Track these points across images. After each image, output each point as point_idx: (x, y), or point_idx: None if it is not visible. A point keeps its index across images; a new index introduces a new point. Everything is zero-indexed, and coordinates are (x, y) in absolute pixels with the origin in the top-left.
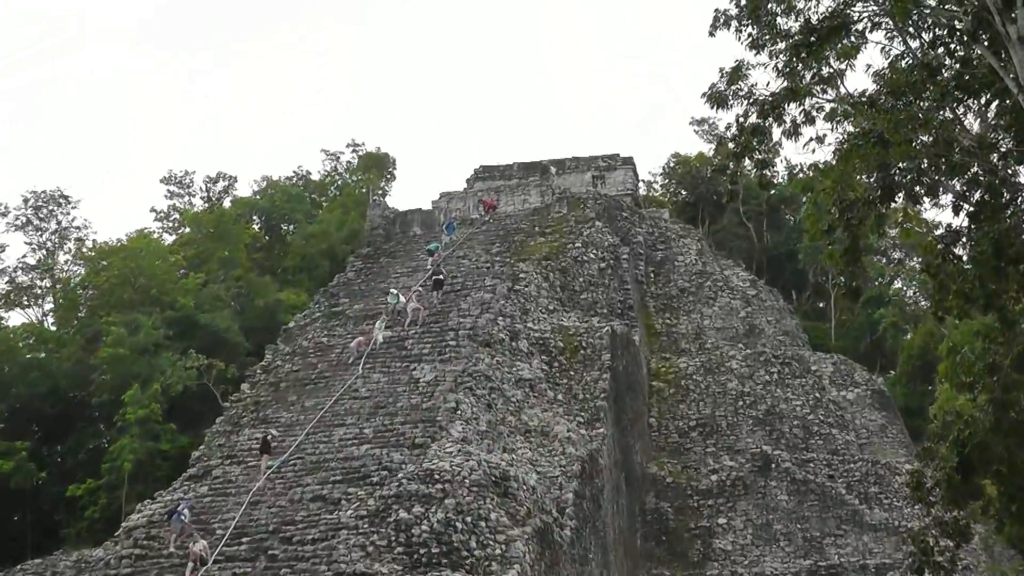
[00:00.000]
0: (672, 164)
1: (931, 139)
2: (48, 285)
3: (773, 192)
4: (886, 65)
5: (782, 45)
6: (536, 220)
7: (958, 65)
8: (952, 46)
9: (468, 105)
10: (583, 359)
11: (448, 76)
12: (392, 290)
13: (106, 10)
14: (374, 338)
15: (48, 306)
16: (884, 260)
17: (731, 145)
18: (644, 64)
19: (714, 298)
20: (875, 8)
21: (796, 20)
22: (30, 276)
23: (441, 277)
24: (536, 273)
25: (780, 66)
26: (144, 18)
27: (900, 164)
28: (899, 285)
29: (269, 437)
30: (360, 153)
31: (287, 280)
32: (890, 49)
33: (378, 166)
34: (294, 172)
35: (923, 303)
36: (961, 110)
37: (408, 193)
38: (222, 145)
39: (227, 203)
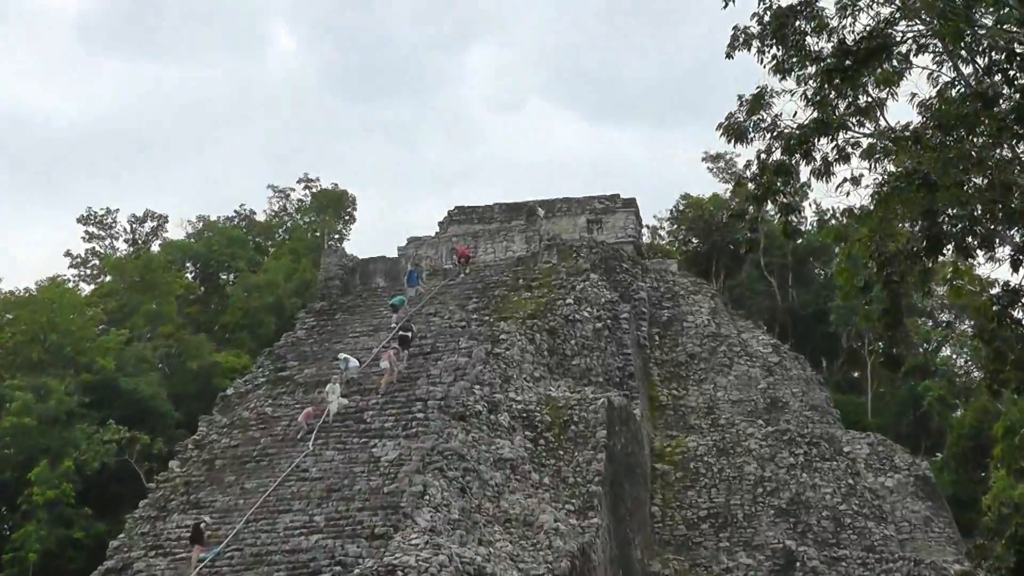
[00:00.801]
0: (681, 207)
1: (986, 181)
2: None
3: (800, 242)
4: (934, 94)
5: (812, 69)
6: (520, 271)
7: (1018, 95)
8: (1011, 73)
9: (442, 136)
10: (574, 436)
11: (418, 101)
12: (342, 355)
13: (30, 19)
14: (327, 408)
15: None
16: (930, 323)
17: (751, 186)
18: (647, 89)
19: (730, 365)
20: (921, 28)
21: (829, 40)
22: None
23: (408, 334)
24: (520, 334)
25: (809, 94)
26: (75, 21)
27: (949, 211)
28: (947, 353)
29: (202, 525)
30: (314, 190)
31: (225, 339)
32: (938, 76)
33: (335, 206)
34: (235, 211)
35: (975, 374)
36: (1021, 148)
37: (370, 238)
38: (150, 178)
39: (156, 247)
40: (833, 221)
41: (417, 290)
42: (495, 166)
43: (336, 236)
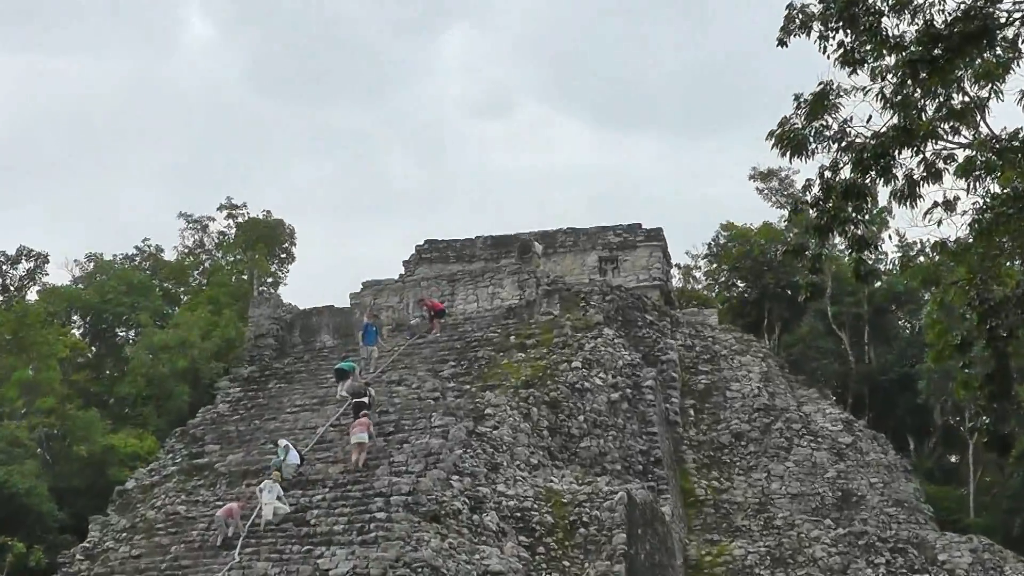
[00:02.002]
0: (723, 240)
1: None
2: None
3: (878, 285)
4: None
5: (891, 60)
6: (512, 326)
7: None
8: None
9: (406, 149)
10: (584, 542)
11: (375, 104)
12: (282, 442)
13: None
14: (261, 511)
15: None
16: None
17: (813, 213)
18: (670, 85)
19: (788, 448)
20: None
21: (912, 22)
22: None
23: (365, 399)
24: (512, 408)
25: (888, 92)
26: None
27: None
28: None
29: None
30: (240, 219)
31: (124, 415)
32: None
33: (267, 240)
34: (137, 248)
35: None
36: None
37: (314, 282)
38: (25, 205)
39: (32, 295)
40: (921, 259)
41: (371, 351)
42: (477, 188)
43: (269, 280)
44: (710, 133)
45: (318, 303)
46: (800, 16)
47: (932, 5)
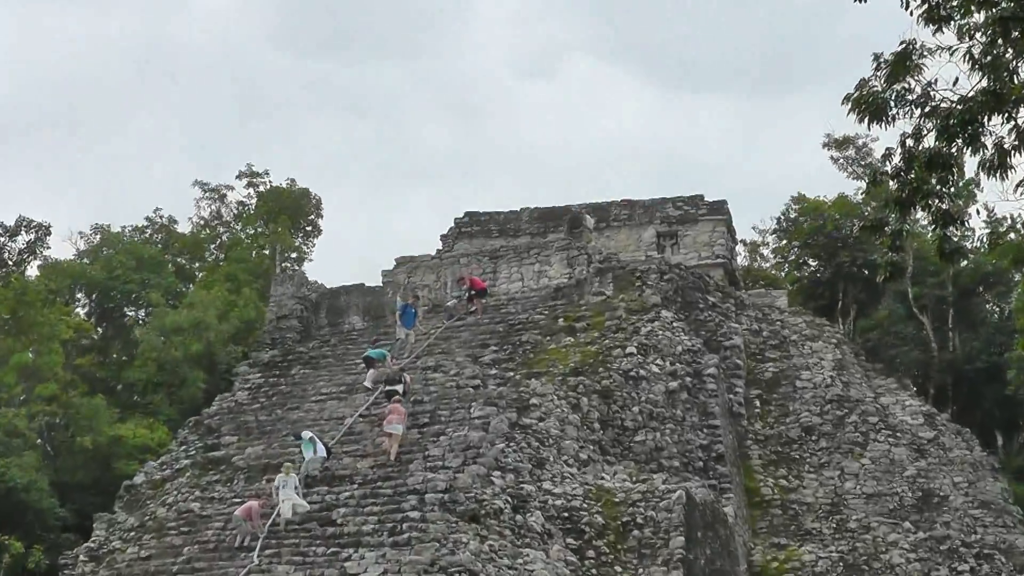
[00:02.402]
0: (793, 214)
1: None
2: None
3: (965, 265)
4: None
5: (980, 16)
6: (560, 307)
7: None
8: None
9: (444, 112)
10: (638, 545)
11: (409, 63)
12: (306, 433)
13: None
14: (278, 506)
15: None
16: None
17: (893, 185)
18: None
19: (863, 444)
20: None
21: None
22: None
23: (399, 387)
24: (559, 398)
25: (976, 52)
26: None
27: None
28: None
29: None
30: (261, 189)
31: (133, 403)
32: None
33: (291, 212)
34: (148, 220)
35: None
36: None
37: (342, 258)
38: (26, 173)
39: (33, 271)
40: (1011, 236)
41: (407, 335)
42: (522, 155)
43: (292, 256)
44: (781, 96)
45: (346, 281)
46: None
47: None
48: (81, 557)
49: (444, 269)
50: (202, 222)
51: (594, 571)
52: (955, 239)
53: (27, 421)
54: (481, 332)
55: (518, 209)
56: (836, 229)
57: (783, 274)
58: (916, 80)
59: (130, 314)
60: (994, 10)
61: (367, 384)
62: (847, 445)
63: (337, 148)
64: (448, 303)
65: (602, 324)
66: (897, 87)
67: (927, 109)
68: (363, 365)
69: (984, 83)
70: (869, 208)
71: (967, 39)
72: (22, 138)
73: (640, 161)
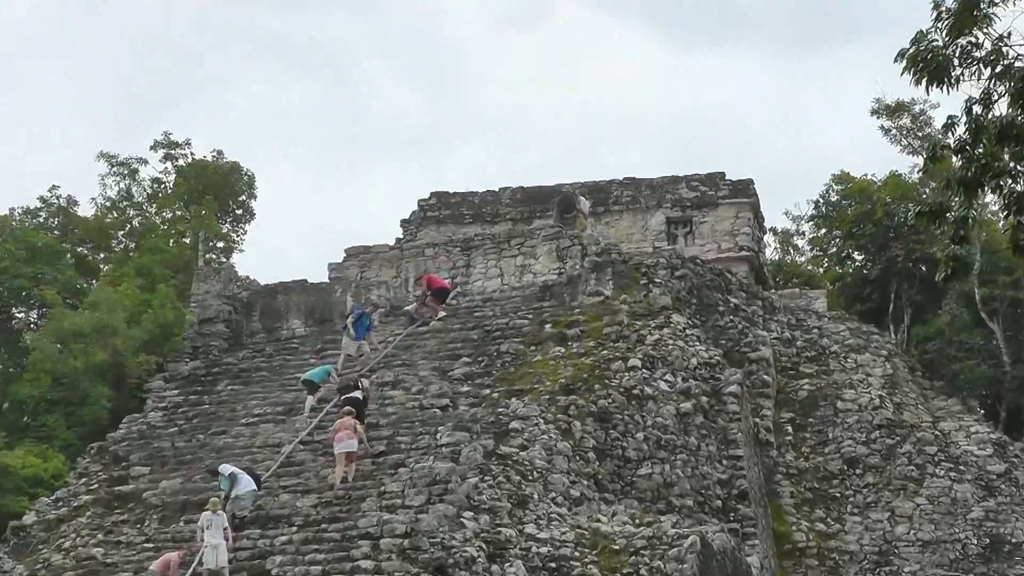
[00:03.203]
0: (835, 197)
1: None
2: None
3: None
4: None
5: None
6: (549, 310)
7: None
8: None
9: (405, 70)
10: None
11: (363, 8)
12: (225, 467)
13: None
14: (203, 557)
15: None
16: None
17: (956, 161)
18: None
19: (919, 479)
20: None
21: None
22: None
23: (359, 395)
24: (547, 421)
25: None
26: None
27: None
28: None
29: None
30: (181, 163)
31: (21, 426)
32: None
33: (218, 190)
34: (41, 200)
35: None
36: None
37: (280, 247)
38: None
39: None
40: None
41: (361, 344)
42: (501, 123)
43: (219, 245)
44: (819, 53)
45: (285, 277)
46: None
47: None
48: None
49: (405, 262)
50: (108, 203)
51: None
52: None
53: None
54: (450, 341)
55: (497, 189)
56: (887, 216)
57: (822, 270)
58: (985, 33)
59: (19, 316)
60: None
61: (307, 412)
62: (899, 481)
63: (275, 113)
64: (410, 305)
65: (599, 331)
66: (962, 42)
67: (998, 69)
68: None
69: None
70: (927, 190)
71: None
72: None
73: (647, 131)
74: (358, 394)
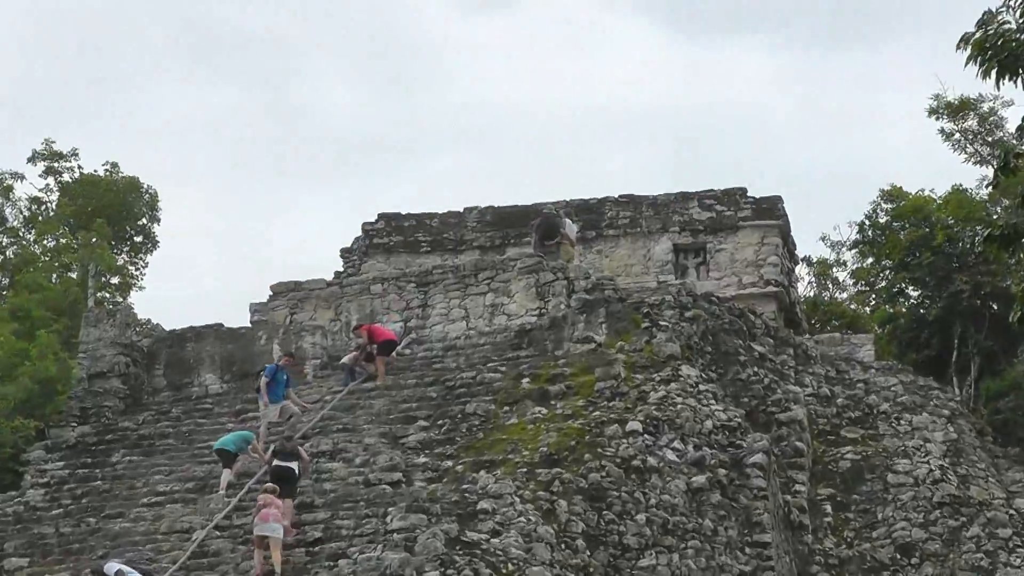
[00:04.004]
0: (883, 217)
1: None
2: None
3: None
4: None
5: None
6: (527, 361)
7: None
8: None
9: (349, 61)
10: None
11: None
12: (111, 566)
13: None
14: None
15: None
16: None
17: None
18: None
19: (990, 570)
20: None
21: None
22: None
23: (292, 466)
24: (524, 501)
25: None
26: None
27: None
28: None
29: None
30: (66, 178)
31: None
32: None
33: (113, 212)
34: None
35: None
36: None
37: (188, 285)
38: None
39: None
40: None
41: (278, 411)
42: (468, 127)
43: (115, 281)
44: (861, 39)
45: (197, 320)
46: None
47: None
48: None
49: (346, 302)
50: None
51: None
52: None
53: None
54: (404, 400)
55: (461, 210)
56: (949, 241)
57: (868, 310)
58: None
59: None
60: None
61: (222, 490)
62: (965, 573)
63: (185, 117)
64: (345, 357)
65: (590, 387)
66: None
67: None
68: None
69: None
70: (999, 209)
71: None
72: None
73: (649, 135)
74: (294, 465)
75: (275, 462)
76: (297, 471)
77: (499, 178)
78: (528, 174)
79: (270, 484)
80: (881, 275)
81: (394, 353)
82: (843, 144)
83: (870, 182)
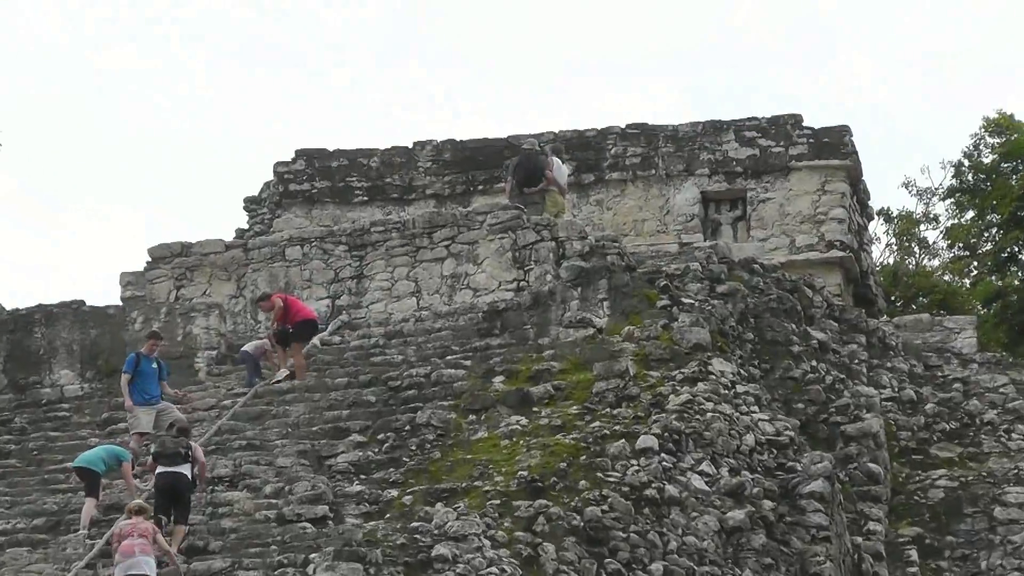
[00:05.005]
0: (988, 157)
1: None
2: None
3: None
4: None
5: None
6: (499, 352)
7: None
8: None
9: None
10: None
11: None
12: None
13: None
14: None
15: None
16: None
17: None
18: None
19: None
20: None
21: None
22: None
23: (184, 471)
24: (496, 544)
25: None
26: None
27: None
28: None
29: None
30: None
31: None
32: None
33: None
34: None
35: None
36: None
37: (37, 251)
38: None
39: None
40: None
41: (164, 411)
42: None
43: None
44: None
45: (48, 297)
46: None
47: None
48: None
49: (252, 271)
50: None
51: None
52: None
53: None
54: (330, 405)
55: (411, 144)
56: None
57: (969, 283)
58: None
59: None
60: None
61: (84, 529)
62: None
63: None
64: (249, 345)
65: (587, 388)
66: None
67: None
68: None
69: None
70: None
71: None
72: None
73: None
74: (185, 470)
75: (158, 468)
76: (191, 477)
77: (465, 100)
78: (501, 98)
79: (135, 503)
80: (986, 235)
81: (316, 340)
82: (928, 55)
83: (969, 110)
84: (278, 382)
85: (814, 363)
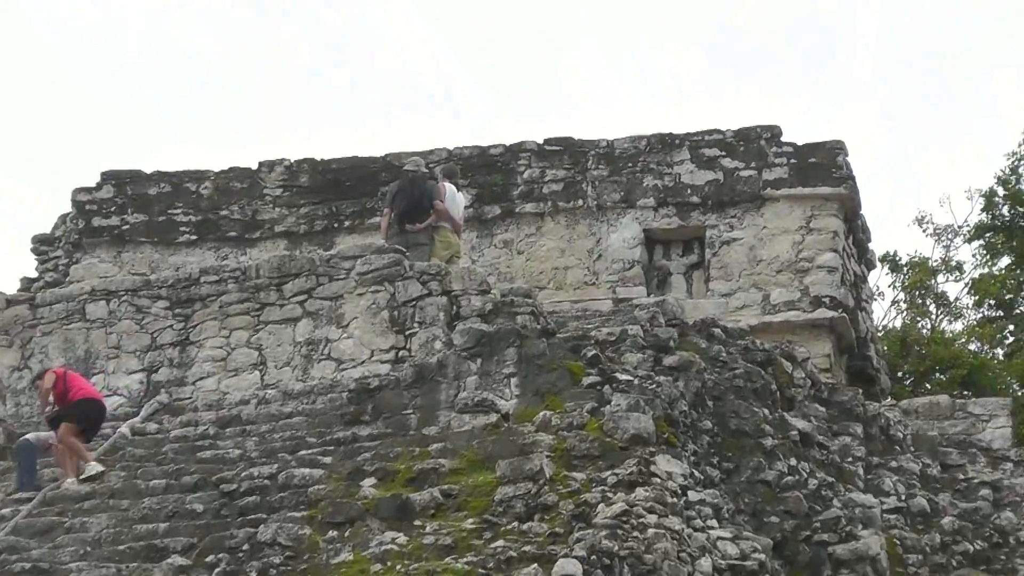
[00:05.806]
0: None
1: None
2: None
3: None
4: None
5: None
6: (370, 446)
7: None
8: None
9: None
10: None
11: None
12: None
13: None
14: None
15: None
16: None
17: None
18: None
19: None
20: None
21: None
22: None
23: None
24: None
25: None
26: None
27: None
28: None
29: None
30: None
31: None
32: None
33: None
34: None
35: None
36: None
37: None
38: None
39: None
40: None
41: None
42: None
43: None
44: None
45: None
46: None
47: None
48: None
49: (41, 335)
50: None
51: None
52: None
53: None
54: (143, 517)
55: (256, 165)
56: None
57: (1001, 353)
58: None
59: None
60: None
61: None
62: None
63: None
64: (31, 435)
65: (488, 494)
66: None
67: None
68: None
69: None
70: None
71: None
72: None
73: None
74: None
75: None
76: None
77: (335, 111)
78: (379, 92)
79: None
80: (1021, 286)
81: (125, 428)
82: (940, 52)
83: (1000, 134)
84: (87, 478)
85: (793, 462)
